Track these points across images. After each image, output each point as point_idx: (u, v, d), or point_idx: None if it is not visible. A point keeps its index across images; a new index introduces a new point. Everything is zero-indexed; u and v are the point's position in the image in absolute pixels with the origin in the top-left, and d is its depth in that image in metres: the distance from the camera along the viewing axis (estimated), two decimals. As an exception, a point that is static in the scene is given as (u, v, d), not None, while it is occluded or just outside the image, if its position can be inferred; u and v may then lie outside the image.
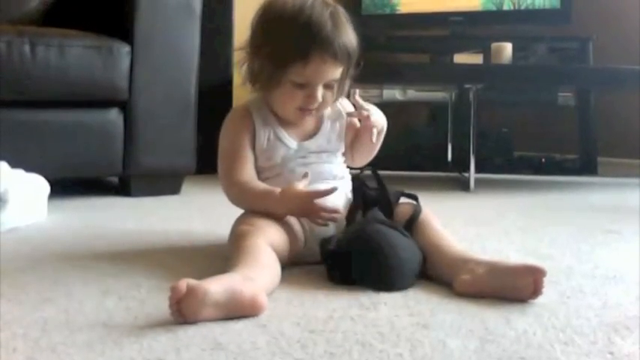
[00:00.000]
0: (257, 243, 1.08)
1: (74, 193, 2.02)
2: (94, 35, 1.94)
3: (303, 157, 1.27)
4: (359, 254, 1.08)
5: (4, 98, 1.82)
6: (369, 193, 1.23)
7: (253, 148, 1.27)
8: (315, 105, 1.23)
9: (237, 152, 1.26)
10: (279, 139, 1.27)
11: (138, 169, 2.03)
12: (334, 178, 1.27)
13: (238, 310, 0.90)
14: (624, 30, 3.02)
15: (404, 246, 1.10)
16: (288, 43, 1.20)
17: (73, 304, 0.96)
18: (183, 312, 0.87)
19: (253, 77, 1.26)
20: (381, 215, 1.16)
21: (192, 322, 0.88)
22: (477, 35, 3.09)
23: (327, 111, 1.31)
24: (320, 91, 1.22)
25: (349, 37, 1.22)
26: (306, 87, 1.22)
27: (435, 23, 3.21)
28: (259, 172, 1.27)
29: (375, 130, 1.26)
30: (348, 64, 1.23)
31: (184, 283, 0.88)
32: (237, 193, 1.26)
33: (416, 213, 1.19)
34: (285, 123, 1.28)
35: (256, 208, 1.22)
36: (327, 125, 1.31)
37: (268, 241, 1.10)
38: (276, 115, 1.28)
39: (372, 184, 1.24)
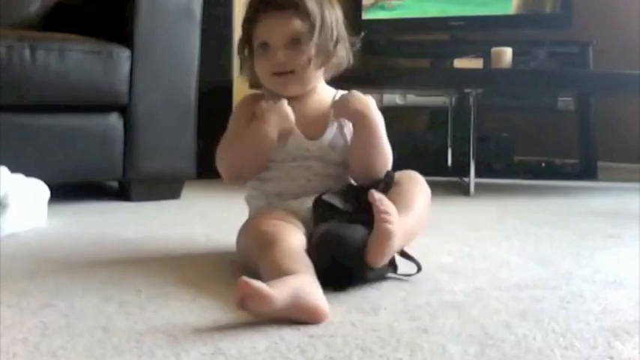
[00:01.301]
0: (296, 247, 1.07)
1: (74, 198, 2.02)
2: (94, 40, 1.95)
3: (305, 157, 1.24)
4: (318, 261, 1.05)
5: (4, 103, 1.81)
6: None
7: None
8: (284, 67, 1.22)
9: (235, 133, 1.27)
10: None
11: (138, 173, 2.03)
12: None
13: (300, 316, 0.90)
14: (624, 34, 3.02)
15: (345, 233, 1.06)
16: (245, 15, 1.26)
17: (73, 309, 0.96)
18: (247, 307, 0.87)
19: (241, 64, 1.31)
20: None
21: (255, 316, 0.89)
22: (477, 40, 3.09)
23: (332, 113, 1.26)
24: (281, 51, 1.21)
25: None
26: (269, 49, 1.23)
27: (435, 28, 3.22)
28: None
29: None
30: (304, 17, 1.20)
31: (250, 284, 0.86)
32: (229, 155, 1.26)
33: (388, 178, 1.20)
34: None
35: (247, 144, 1.23)
36: (332, 129, 1.26)
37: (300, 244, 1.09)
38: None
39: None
